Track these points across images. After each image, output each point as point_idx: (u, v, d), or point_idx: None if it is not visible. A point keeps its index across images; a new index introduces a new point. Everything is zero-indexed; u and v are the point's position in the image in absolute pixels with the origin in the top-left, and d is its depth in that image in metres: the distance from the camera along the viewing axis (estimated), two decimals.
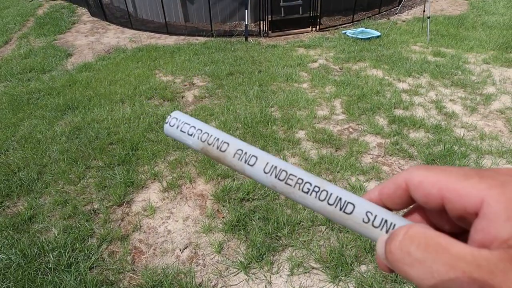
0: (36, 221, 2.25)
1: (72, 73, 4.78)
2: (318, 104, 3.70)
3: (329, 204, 0.28)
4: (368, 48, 5.28)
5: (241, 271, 1.89)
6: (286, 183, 0.29)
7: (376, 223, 0.26)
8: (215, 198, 2.41)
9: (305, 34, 6.21)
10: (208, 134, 0.33)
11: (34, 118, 3.58)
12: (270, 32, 6.14)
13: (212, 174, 2.60)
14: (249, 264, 1.92)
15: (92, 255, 1.99)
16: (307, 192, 0.29)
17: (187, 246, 2.07)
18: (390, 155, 2.87)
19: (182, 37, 6.26)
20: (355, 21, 6.65)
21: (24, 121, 3.53)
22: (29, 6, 8.57)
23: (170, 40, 6.13)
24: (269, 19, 6.05)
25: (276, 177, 0.30)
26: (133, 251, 2.05)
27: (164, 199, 2.45)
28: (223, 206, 2.33)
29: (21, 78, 4.68)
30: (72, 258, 1.95)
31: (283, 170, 0.30)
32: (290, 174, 0.30)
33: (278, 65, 4.73)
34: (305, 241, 2.04)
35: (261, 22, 6.07)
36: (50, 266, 1.89)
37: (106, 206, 2.37)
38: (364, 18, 6.82)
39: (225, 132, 0.33)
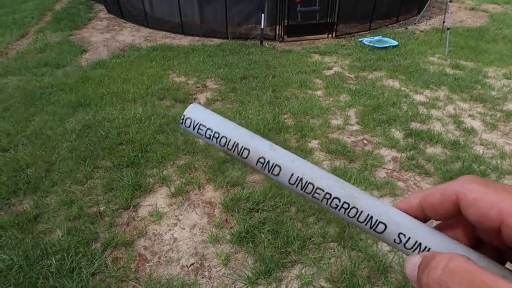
0: (41, 221, 2.21)
1: (85, 69, 4.77)
2: (332, 113, 3.62)
3: (359, 221, 0.28)
4: (385, 58, 5.17)
5: (248, 286, 1.82)
6: (313, 196, 0.29)
7: (409, 245, 0.26)
8: (223, 206, 2.34)
9: (321, 40, 6.12)
10: (226, 139, 0.31)
11: (46, 113, 3.56)
12: (285, 36, 6.07)
13: (222, 182, 2.53)
14: (256, 279, 1.84)
15: (96, 260, 1.93)
16: (335, 208, 0.28)
17: (193, 260, 2.01)
18: (406, 171, 2.77)
19: (197, 38, 6.23)
20: (372, 29, 6.54)
21: (35, 116, 3.51)
22: (48, 1, 8.63)
23: (185, 41, 6.10)
24: (285, 23, 5.98)
25: (302, 189, 0.29)
26: (137, 258, 1.99)
27: (171, 205, 2.39)
28: (232, 215, 2.27)
29: (35, 73, 4.69)
30: (75, 262, 1.90)
31: (309, 183, 0.29)
32: (317, 188, 0.28)
33: (292, 70, 4.66)
34: (315, 258, 1.96)
35: (277, 26, 6.01)
36: (52, 270, 1.84)
37: (112, 209, 2.32)
38: (382, 27, 6.70)
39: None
